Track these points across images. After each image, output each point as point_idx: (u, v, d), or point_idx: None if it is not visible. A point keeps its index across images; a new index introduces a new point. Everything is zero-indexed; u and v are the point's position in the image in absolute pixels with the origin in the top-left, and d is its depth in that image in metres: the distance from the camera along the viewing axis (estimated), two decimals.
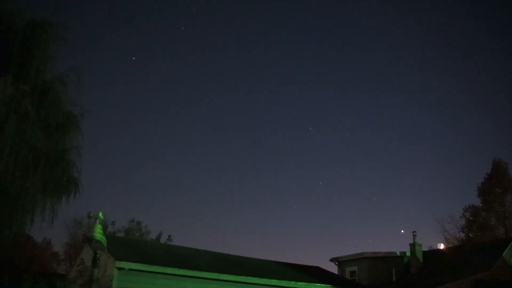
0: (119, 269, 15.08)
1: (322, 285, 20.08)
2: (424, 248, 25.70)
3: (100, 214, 11.28)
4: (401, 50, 54.52)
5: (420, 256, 24.34)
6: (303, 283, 19.43)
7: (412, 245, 24.38)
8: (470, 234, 38.76)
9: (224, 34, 53.93)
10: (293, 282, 19.12)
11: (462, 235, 39.31)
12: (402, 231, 44.94)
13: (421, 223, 66.81)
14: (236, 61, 55.59)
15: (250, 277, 17.95)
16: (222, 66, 55.23)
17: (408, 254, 24.93)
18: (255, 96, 58.40)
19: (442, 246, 29.88)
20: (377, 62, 54.61)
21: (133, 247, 19.37)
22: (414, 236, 24.58)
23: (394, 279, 24.29)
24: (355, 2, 53.70)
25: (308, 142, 58.14)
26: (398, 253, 25.30)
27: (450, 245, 34.44)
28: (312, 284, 19.72)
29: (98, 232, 10.91)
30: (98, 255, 11.31)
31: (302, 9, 52.12)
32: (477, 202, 39.69)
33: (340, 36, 55.51)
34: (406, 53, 54.33)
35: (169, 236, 32.34)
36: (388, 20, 52.60)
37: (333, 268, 26.43)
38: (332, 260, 26.60)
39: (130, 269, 15.26)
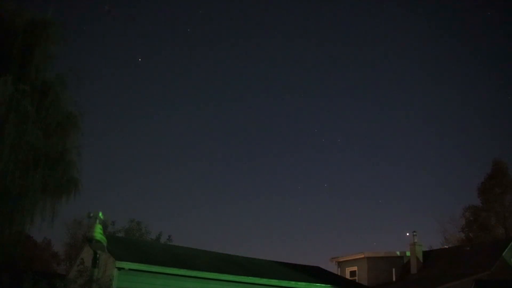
0: (119, 269, 15.05)
1: (322, 285, 20.05)
2: (424, 248, 25.70)
3: (100, 214, 11.29)
4: (402, 50, 54.57)
5: (420, 256, 24.32)
6: (303, 283, 19.40)
7: (412, 245, 24.36)
8: (470, 234, 38.73)
9: (228, 35, 54.02)
10: (293, 282, 19.10)
11: (462, 235, 39.31)
12: (407, 234, 44.69)
13: (421, 223, 66.92)
14: (241, 61, 55.70)
15: (250, 277, 17.93)
16: (226, 67, 55.25)
17: (408, 254, 24.92)
18: (259, 96, 58.48)
19: (446, 246, 29.95)
20: (377, 64, 54.69)
21: (133, 247, 19.34)
22: (414, 236, 24.57)
23: (394, 279, 24.30)
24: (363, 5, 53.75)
25: (313, 144, 58.21)
26: (398, 253, 25.30)
27: (450, 245, 34.43)
28: (312, 284, 19.70)
29: (98, 232, 10.93)
30: (98, 255, 11.32)
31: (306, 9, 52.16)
32: (477, 202, 39.69)
33: (342, 37, 55.56)
34: (406, 54, 54.37)
35: (169, 236, 32.18)
36: (390, 23, 52.66)
37: (333, 268, 26.46)
38: (332, 260, 26.62)
39: (130, 269, 15.23)
